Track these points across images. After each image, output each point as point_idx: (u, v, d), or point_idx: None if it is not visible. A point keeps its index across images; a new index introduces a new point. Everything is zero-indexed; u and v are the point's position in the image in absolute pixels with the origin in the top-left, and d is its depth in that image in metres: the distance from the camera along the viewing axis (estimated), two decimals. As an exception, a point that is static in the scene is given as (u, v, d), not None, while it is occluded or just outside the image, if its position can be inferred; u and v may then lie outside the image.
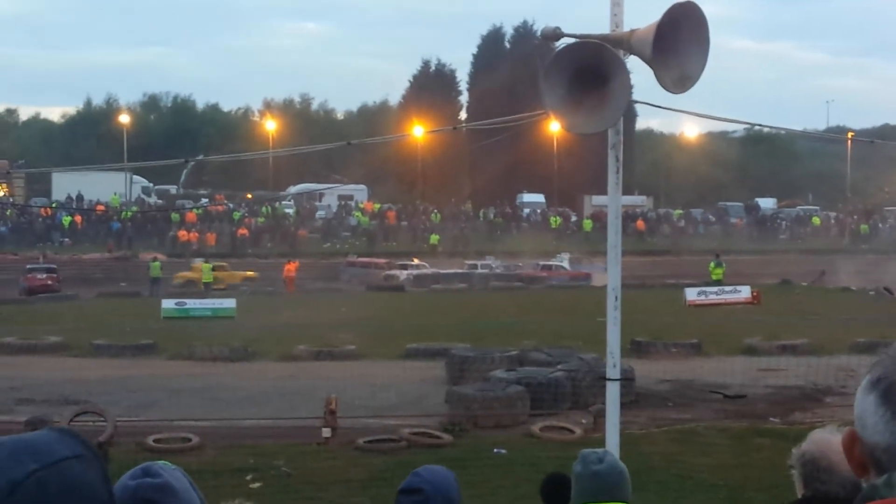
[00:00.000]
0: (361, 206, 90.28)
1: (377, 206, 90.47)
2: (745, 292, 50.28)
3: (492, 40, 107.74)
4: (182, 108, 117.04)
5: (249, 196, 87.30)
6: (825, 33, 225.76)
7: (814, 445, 4.27)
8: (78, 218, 79.24)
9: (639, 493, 5.74)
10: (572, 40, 7.50)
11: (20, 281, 56.25)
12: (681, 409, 23.71)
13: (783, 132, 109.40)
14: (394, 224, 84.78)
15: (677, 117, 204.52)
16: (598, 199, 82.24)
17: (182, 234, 75.42)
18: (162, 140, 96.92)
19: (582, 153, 79.55)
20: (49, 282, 55.98)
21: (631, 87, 7.43)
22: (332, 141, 38.91)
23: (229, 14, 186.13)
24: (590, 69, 7.22)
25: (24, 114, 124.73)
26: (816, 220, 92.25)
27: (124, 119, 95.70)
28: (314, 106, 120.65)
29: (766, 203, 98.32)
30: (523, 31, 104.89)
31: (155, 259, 59.59)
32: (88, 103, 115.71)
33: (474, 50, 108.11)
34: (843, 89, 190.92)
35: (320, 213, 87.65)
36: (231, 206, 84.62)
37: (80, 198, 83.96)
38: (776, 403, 24.40)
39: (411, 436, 19.20)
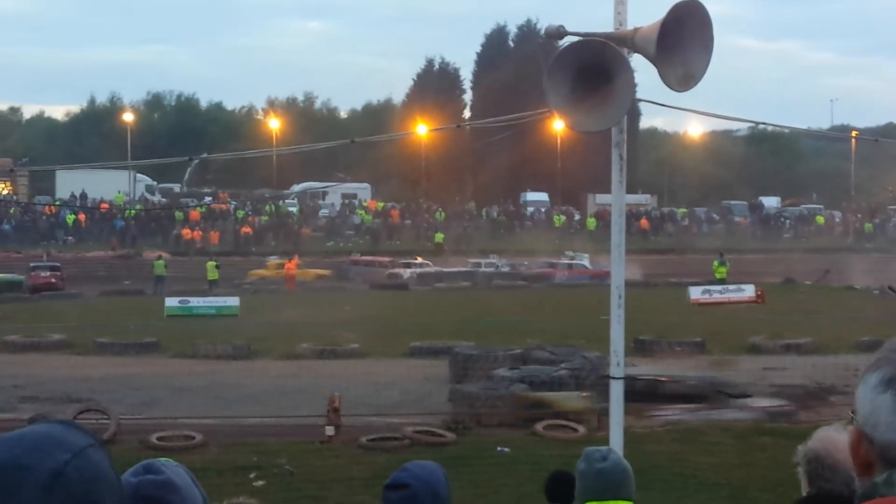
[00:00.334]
0: (365, 204, 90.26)
1: (381, 204, 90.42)
2: (749, 291, 50.17)
3: (495, 39, 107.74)
4: (186, 107, 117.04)
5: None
6: (830, 32, 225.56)
7: (819, 443, 4.27)
8: (82, 216, 79.27)
9: (642, 491, 5.73)
10: (576, 39, 7.50)
11: (24, 279, 56.29)
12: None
13: (787, 131, 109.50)
14: (397, 222, 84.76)
15: (681, 116, 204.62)
16: (601, 198, 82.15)
17: (185, 232, 75.40)
18: (166, 138, 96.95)
19: (585, 152, 79.47)
20: (53, 280, 56.02)
21: (635, 85, 7.44)
22: (336, 139, 38.88)
23: (233, 12, 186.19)
24: (593, 67, 7.22)
25: (28, 112, 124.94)
26: (820, 219, 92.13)
27: (128, 117, 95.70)
28: (318, 104, 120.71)
29: (770, 202, 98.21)
30: (527, 30, 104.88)
31: (159, 257, 59.67)
32: (92, 101, 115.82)
33: (478, 48, 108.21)
34: (848, 88, 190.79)
35: (324, 212, 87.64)
36: (234, 204, 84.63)
37: (83, 196, 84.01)
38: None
39: (414, 434, 19.20)
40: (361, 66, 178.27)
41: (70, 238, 76.70)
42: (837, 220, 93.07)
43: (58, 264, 59.42)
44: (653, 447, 18.33)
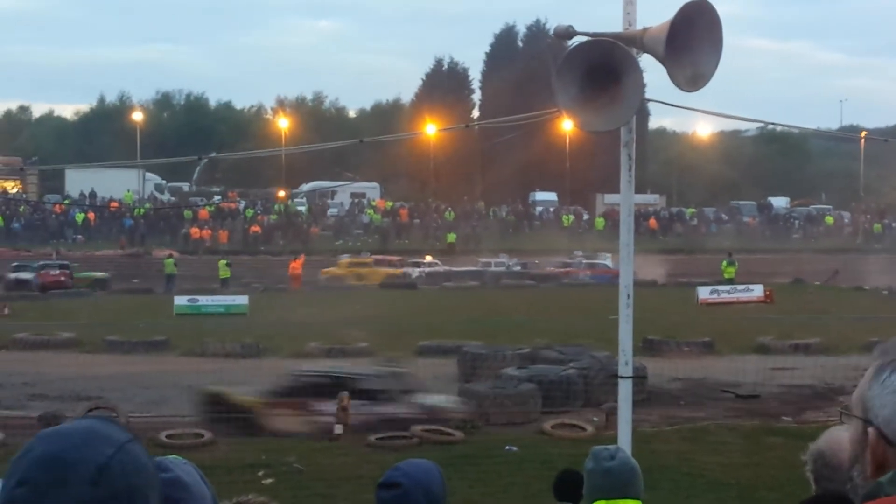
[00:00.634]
0: (374, 203, 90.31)
1: (389, 203, 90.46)
2: (757, 291, 50.20)
3: (505, 39, 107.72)
4: (195, 106, 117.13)
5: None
6: (839, 32, 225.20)
7: (825, 443, 4.27)
8: (91, 215, 79.49)
9: (650, 491, 5.75)
10: (585, 39, 7.51)
11: (33, 277, 56.40)
12: (693, 408, 23.72)
13: (796, 131, 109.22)
14: (406, 222, 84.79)
15: (690, 116, 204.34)
16: (610, 198, 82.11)
17: (194, 231, 75.52)
18: (175, 137, 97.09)
19: (594, 151, 79.46)
20: (62, 278, 56.11)
21: (644, 85, 7.44)
22: (345, 139, 38.90)
23: (242, 11, 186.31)
24: (603, 67, 7.23)
25: (38, 111, 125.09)
26: (829, 220, 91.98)
27: (137, 116, 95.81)
28: (326, 104, 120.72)
29: (779, 202, 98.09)
30: (536, 30, 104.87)
31: (170, 256, 59.80)
32: (102, 100, 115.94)
33: (487, 48, 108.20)
34: (857, 88, 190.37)
35: (332, 211, 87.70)
36: (243, 203, 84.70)
37: (93, 195, 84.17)
38: (788, 402, 24.40)
39: (423, 433, 19.22)
40: (370, 66, 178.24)
41: (79, 236, 76.87)
42: (846, 220, 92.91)
43: (67, 263, 59.49)
44: (661, 446, 18.33)
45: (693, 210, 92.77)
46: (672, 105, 10.07)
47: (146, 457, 1.82)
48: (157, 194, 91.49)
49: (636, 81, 7.29)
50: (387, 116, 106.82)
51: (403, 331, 35.14)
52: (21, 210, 79.87)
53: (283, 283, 58.16)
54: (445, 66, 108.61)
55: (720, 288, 52.06)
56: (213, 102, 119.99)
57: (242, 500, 3.58)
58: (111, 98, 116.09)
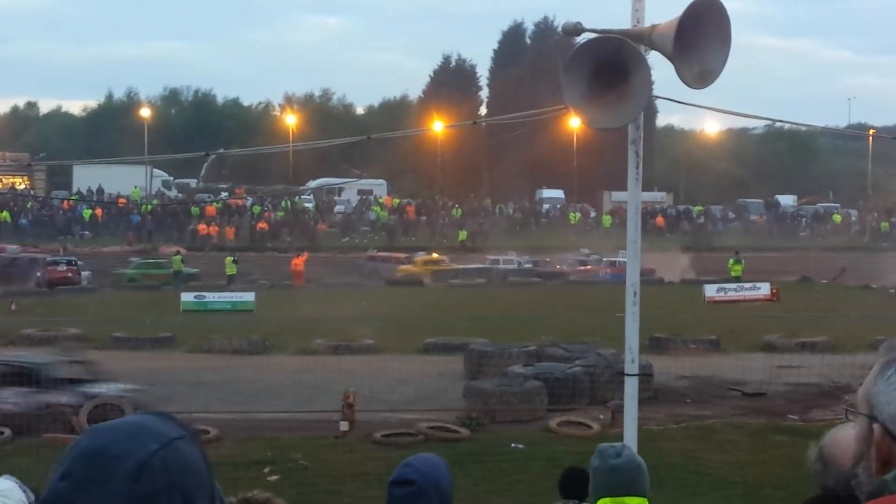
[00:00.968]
0: (381, 200, 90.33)
1: (396, 200, 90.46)
2: (764, 289, 50.16)
3: (512, 36, 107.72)
4: (203, 102, 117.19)
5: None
6: (848, 30, 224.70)
7: (827, 443, 4.27)
8: (98, 211, 79.58)
9: (656, 489, 5.74)
10: (593, 35, 7.50)
11: (41, 273, 56.55)
12: (699, 406, 23.70)
13: (804, 129, 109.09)
14: (413, 219, 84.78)
15: (698, 113, 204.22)
16: (617, 195, 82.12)
17: (202, 227, 75.57)
18: (182, 134, 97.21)
19: (602, 149, 79.43)
20: (69, 274, 56.20)
21: (651, 82, 7.43)
22: (352, 136, 38.92)
23: (250, 8, 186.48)
24: (611, 64, 7.22)
25: (45, 107, 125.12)
26: (837, 218, 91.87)
27: (145, 113, 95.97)
28: (334, 101, 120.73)
29: (787, 200, 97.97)
30: (544, 27, 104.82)
31: (177, 252, 59.93)
32: (110, 97, 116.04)
33: (495, 45, 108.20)
34: (865, 86, 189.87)
35: (339, 208, 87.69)
36: (251, 199, 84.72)
37: (100, 191, 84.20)
38: (795, 401, 24.38)
39: (429, 430, 19.23)
40: (378, 63, 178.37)
41: (86, 233, 76.94)
42: (854, 218, 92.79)
43: (74, 259, 59.55)
44: (667, 444, 18.33)
45: (700, 208, 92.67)
46: (680, 102, 10.06)
47: (198, 456, 1.80)
48: (165, 191, 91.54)
49: (644, 78, 7.28)
50: (394, 113, 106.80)
51: (410, 328, 35.16)
52: (29, 206, 79.93)
53: (289, 280, 58.20)
54: (453, 63, 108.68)
55: (727, 286, 52.02)
56: (220, 99, 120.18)
57: (247, 496, 3.58)
58: (119, 94, 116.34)
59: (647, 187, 69.38)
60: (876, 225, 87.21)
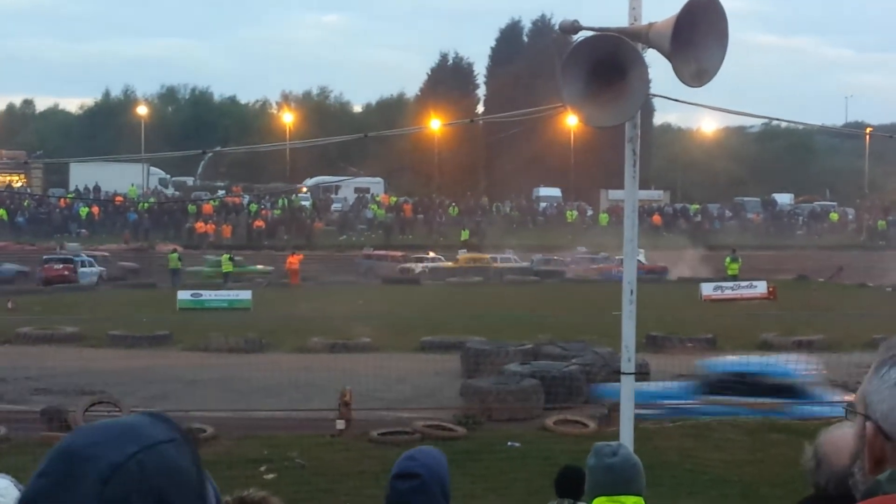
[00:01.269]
0: (378, 198, 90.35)
1: (393, 199, 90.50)
2: (761, 288, 50.21)
3: (510, 34, 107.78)
4: (200, 100, 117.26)
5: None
6: (846, 28, 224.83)
7: (821, 443, 4.27)
8: (95, 209, 79.53)
9: (653, 487, 5.73)
10: (590, 33, 7.49)
11: (37, 271, 56.59)
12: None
13: (801, 127, 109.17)
14: (410, 217, 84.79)
15: (695, 112, 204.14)
16: (614, 194, 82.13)
17: (199, 225, 75.56)
18: (179, 132, 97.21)
19: (599, 147, 79.49)
20: (66, 272, 56.18)
21: (649, 80, 7.42)
22: (349, 134, 38.89)
23: (248, 5, 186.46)
24: (608, 62, 7.21)
25: (42, 105, 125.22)
26: (834, 216, 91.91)
27: (142, 111, 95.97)
28: (331, 99, 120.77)
29: (784, 198, 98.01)
30: (541, 25, 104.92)
31: (174, 250, 59.97)
32: (107, 94, 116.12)
33: (492, 43, 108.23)
34: (863, 85, 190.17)
35: (336, 206, 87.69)
36: (248, 198, 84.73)
37: (97, 189, 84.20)
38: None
39: (425, 428, 19.20)
40: (376, 61, 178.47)
41: (83, 231, 76.90)
42: (851, 217, 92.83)
43: (71, 257, 59.55)
44: (663, 443, 18.31)
45: (697, 206, 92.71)
46: (677, 101, 10.04)
47: (187, 460, 1.76)
48: (162, 189, 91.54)
49: (641, 77, 7.27)
50: (391, 111, 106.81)
51: (406, 326, 35.15)
52: (25, 204, 79.92)
53: (286, 278, 58.25)
54: (450, 62, 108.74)
55: (724, 284, 52.07)
56: (217, 97, 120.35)
57: (243, 495, 3.57)
58: (116, 92, 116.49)
59: (644, 185, 69.44)
60: (873, 223, 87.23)
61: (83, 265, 57.64)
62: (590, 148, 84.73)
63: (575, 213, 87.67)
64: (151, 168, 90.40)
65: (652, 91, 10.23)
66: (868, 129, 77.54)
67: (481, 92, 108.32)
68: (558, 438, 18.94)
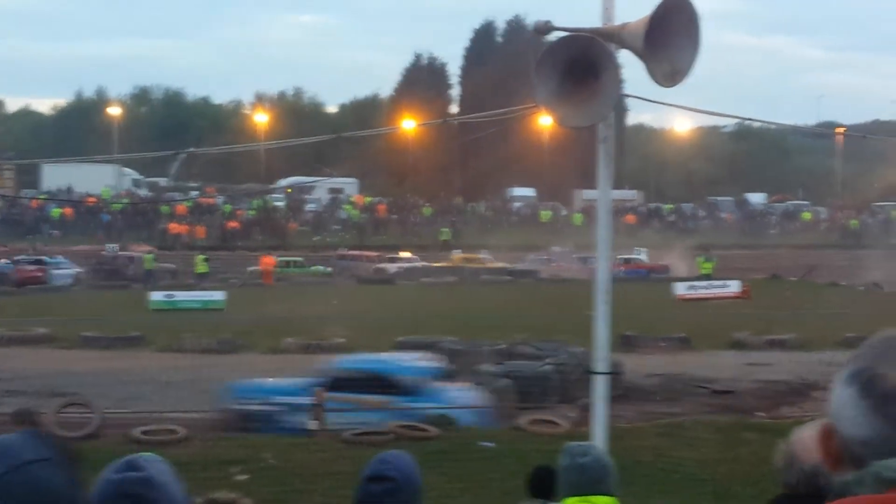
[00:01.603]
0: (352, 199, 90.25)
1: (368, 199, 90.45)
2: (734, 287, 50.35)
3: (484, 34, 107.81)
4: (173, 101, 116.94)
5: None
6: (819, 28, 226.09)
7: (792, 442, 4.28)
8: (68, 210, 79.14)
9: (626, 486, 5.73)
10: (564, 34, 7.49)
11: (10, 273, 56.26)
12: (668, 404, 23.75)
13: (774, 127, 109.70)
14: (384, 217, 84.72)
15: (669, 112, 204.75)
16: (588, 194, 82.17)
17: (172, 226, 75.30)
18: (152, 132, 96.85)
19: (573, 147, 79.57)
20: (38, 273, 55.88)
21: (622, 80, 7.44)
22: (323, 134, 38.82)
23: (222, 5, 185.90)
24: (581, 63, 7.22)
25: (14, 105, 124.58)
26: (807, 216, 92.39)
27: (115, 111, 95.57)
28: (306, 99, 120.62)
29: (757, 198, 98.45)
30: (515, 25, 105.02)
31: (149, 252, 59.79)
32: (79, 95, 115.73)
33: (466, 44, 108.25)
34: (835, 85, 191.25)
35: (311, 206, 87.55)
36: (221, 198, 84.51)
37: (70, 190, 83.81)
38: (764, 398, 24.45)
39: (399, 428, 19.18)
40: (350, 61, 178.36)
41: (56, 232, 76.51)
42: (823, 216, 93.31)
43: (43, 258, 59.20)
44: (636, 442, 18.33)
45: (671, 206, 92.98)
46: (650, 101, 10.06)
47: (59, 480, 1.71)
48: (135, 189, 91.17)
49: (614, 77, 7.28)
50: (366, 112, 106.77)
51: (381, 326, 35.09)
52: (-3, 205, 79.49)
53: (260, 279, 58.11)
54: (425, 62, 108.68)
55: (697, 284, 52.22)
56: (191, 97, 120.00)
57: (214, 496, 3.56)
58: (89, 93, 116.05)
59: (617, 185, 69.22)
60: (845, 223, 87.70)
61: (57, 267, 57.37)
62: (564, 148, 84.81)
63: (549, 212, 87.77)
64: (124, 169, 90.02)
65: (625, 91, 10.25)
66: (840, 129, 77.93)
67: (455, 92, 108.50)
68: (532, 438, 18.95)
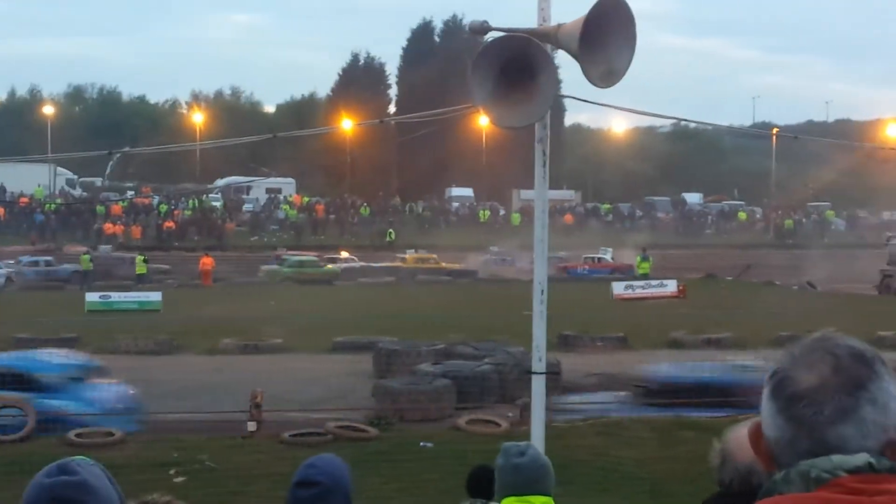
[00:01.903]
0: (290, 199, 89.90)
1: (306, 199, 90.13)
2: (671, 286, 50.71)
3: (421, 34, 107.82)
4: (108, 100, 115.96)
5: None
6: (754, 30, 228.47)
7: (726, 441, 4.32)
8: (0, 210, 78.14)
9: (565, 486, 5.75)
10: (500, 34, 7.50)
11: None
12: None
13: (710, 128, 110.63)
14: (322, 217, 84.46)
15: (606, 112, 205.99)
16: (526, 194, 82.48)
17: (107, 226, 74.57)
18: (87, 132, 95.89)
19: (511, 147, 79.77)
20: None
21: (559, 81, 7.45)
22: (261, 134, 38.64)
23: (158, 4, 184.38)
24: (518, 63, 7.22)
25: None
26: (742, 215, 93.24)
27: (48, 110, 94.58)
28: (243, 99, 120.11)
29: (693, 198, 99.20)
30: (453, 25, 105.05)
31: (86, 252, 59.29)
32: (12, 94, 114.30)
33: (404, 43, 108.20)
34: (770, 86, 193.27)
35: (248, 207, 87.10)
36: (157, 198, 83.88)
37: (2, 190, 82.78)
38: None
39: (337, 429, 19.13)
40: (288, 61, 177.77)
41: (-13, 232, 75.56)
42: (758, 216, 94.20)
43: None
44: (575, 441, 18.41)
45: (608, 206, 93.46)
46: (586, 101, 10.08)
47: None
48: (69, 189, 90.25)
49: (551, 77, 7.30)
50: (303, 111, 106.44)
51: (318, 327, 34.99)
52: (-72, 205, 78.35)
53: (197, 280, 57.79)
54: (362, 62, 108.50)
55: (634, 283, 52.52)
56: (126, 96, 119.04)
57: (147, 499, 3.51)
58: (22, 91, 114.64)
59: (555, 185, 69.91)
60: (779, 222, 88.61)
61: None
62: (502, 148, 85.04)
63: (487, 212, 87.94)
64: (59, 168, 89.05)
65: (562, 92, 10.27)
66: (774, 130, 78.81)
67: (393, 92, 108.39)
68: (471, 438, 18.97)
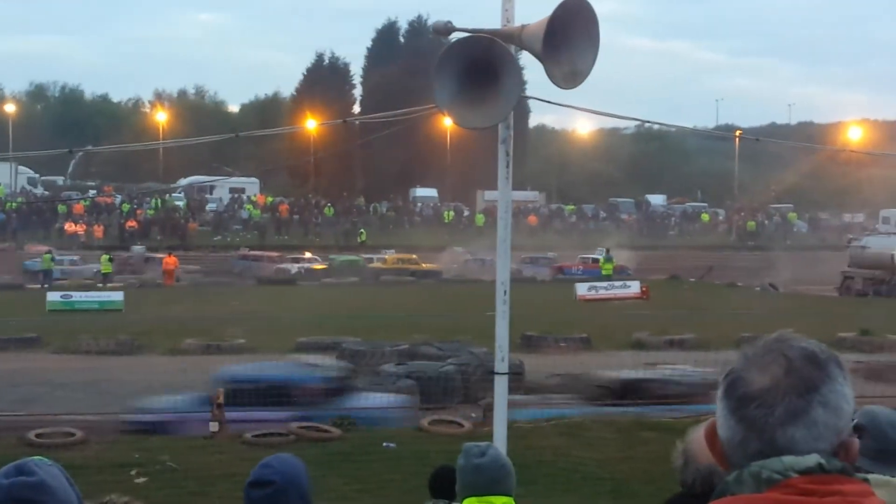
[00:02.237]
0: (253, 199, 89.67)
1: (269, 199, 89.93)
2: (634, 287, 50.89)
3: (386, 34, 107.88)
4: (70, 98, 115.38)
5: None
6: (719, 33, 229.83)
7: (687, 442, 4.33)
8: (-39, 209, 77.61)
9: (527, 486, 5.76)
10: (464, 35, 7.49)
11: None
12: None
13: (674, 129, 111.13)
14: (286, 217, 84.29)
15: (570, 113, 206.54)
16: (490, 194, 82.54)
17: (69, 225, 74.15)
18: (49, 130, 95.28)
19: (476, 148, 79.84)
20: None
21: (522, 82, 7.46)
22: (224, 133, 38.49)
23: (122, 3, 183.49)
24: (481, 64, 7.22)
25: None
26: (705, 217, 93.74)
27: (10, 108, 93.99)
28: (207, 98, 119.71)
29: (657, 199, 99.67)
30: (417, 26, 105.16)
31: (48, 252, 58.94)
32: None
33: (369, 44, 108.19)
34: (733, 88, 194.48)
35: (211, 206, 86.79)
36: (119, 197, 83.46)
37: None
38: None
39: (300, 430, 19.07)
40: (252, 60, 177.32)
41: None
42: (721, 218, 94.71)
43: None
44: (537, 442, 18.43)
45: (572, 207, 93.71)
46: (551, 102, 10.11)
47: None
48: (30, 188, 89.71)
49: (514, 78, 7.30)
50: (267, 111, 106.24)
51: (282, 327, 34.89)
52: None
53: (160, 279, 57.52)
54: (327, 61, 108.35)
55: (598, 284, 52.66)
56: (89, 95, 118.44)
57: (105, 500, 3.49)
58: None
59: (519, 186, 70.02)
60: (742, 224, 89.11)
61: None
62: (466, 149, 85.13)
63: (451, 213, 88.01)
64: (20, 167, 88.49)
65: (526, 93, 10.28)
66: (737, 132, 79.18)
67: (358, 92, 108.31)
68: (434, 438, 18.95)
